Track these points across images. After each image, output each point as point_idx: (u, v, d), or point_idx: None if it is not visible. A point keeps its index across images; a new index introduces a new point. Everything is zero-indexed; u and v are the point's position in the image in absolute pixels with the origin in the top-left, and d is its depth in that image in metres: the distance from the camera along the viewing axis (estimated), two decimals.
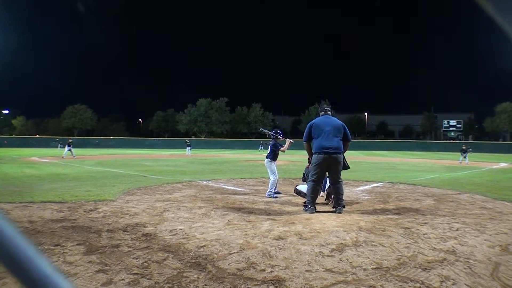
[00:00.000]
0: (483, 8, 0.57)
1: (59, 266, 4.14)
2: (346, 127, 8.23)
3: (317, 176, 7.99)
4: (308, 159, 9.27)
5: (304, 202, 8.14)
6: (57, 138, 67.58)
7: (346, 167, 8.34)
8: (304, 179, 9.41)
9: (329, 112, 8.42)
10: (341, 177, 8.09)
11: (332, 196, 8.25)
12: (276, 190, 9.97)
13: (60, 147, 54.53)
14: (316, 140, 8.00)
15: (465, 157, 29.13)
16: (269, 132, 10.55)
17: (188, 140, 49.89)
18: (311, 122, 8.34)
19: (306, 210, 7.78)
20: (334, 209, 7.91)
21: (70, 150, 30.70)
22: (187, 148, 43.18)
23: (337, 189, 7.94)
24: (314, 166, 7.97)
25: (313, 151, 8.08)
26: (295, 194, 9.50)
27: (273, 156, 10.10)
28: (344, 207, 7.91)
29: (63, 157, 30.19)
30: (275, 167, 10.10)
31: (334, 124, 8.05)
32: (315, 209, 7.84)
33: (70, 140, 32.90)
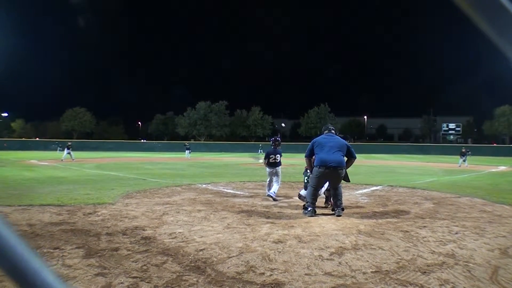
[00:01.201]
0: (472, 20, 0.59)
1: (58, 270, 4.14)
2: (350, 146, 8.29)
3: (317, 185, 8.07)
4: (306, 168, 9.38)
5: (304, 205, 8.15)
6: (57, 141, 67.48)
7: (346, 179, 8.57)
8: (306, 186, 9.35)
9: (332, 131, 8.51)
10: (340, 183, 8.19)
11: (331, 199, 8.26)
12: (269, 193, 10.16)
13: (59, 150, 54.58)
14: (318, 155, 8.03)
15: (464, 160, 29.05)
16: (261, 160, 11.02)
17: (187, 143, 49.81)
18: (314, 140, 8.43)
19: (305, 213, 7.79)
20: (333, 212, 7.92)
21: (69, 153, 30.74)
22: (186, 151, 43.21)
23: (336, 192, 7.96)
24: (314, 178, 8.03)
25: (314, 165, 8.09)
26: (296, 198, 9.49)
27: (266, 162, 10.26)
28: (343, 209, 7.91)
29: (62, 160, 30.20)
30: (267, 172, 10.34)
31: (337, 142, 8.13)
32: (315, 211, 7.85)
33: (69, 143, 32.94)
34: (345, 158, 8.17)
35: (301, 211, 8.18)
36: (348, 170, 8.46)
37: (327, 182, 8.57)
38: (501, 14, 0.56)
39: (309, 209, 7.84)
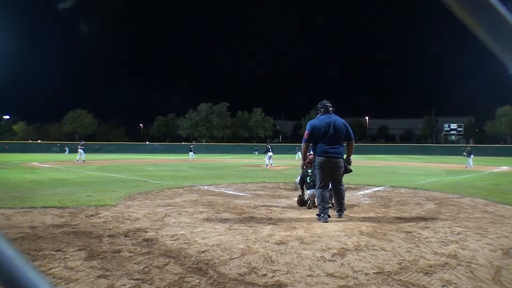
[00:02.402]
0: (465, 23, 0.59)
1: (60, 272, 4.14)
2: (348, 125, 7.74)
3: (322, 180, 7.59)
4: (302, 163, 9.20)
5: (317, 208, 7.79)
6: (59, 143, 67.92)
7: (348, 170, 7.93)
8: (302, 182, 9.27)
9: (330, 109, 7.78)
10: (342, 181, 7.84)
11: (333, 200, 7.96)
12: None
13: (68, 152, 55.40)
14: (319, 145, 7.59)
15: (470, 158, 28.66)
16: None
17: (192, 146, 50.44)
18: (312, 123, 7.74)
19: (319, 220, 7.33)
20: (336, 212, 7.68)
21: (80, 153, 31.24)
22: (190, 153, 43.83)
23: (339, 193, 7.66)
24: (318, 170, 7.63)
25: (315, 154, 7.72)
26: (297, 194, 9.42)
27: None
28: (345, 210, 7.73)
29: (84, 161, 30.56)
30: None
31: (337, 126, 7.53)
32: (329, 216, 7.42)
33: (81, 143, 33.44)
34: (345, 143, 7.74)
35: (303, 212, 8.16)
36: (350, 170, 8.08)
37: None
38: (499, 22, 0.56)
39: (322, 215, 7.38)
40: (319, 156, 7.60)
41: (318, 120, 7.74)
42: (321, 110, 7.83)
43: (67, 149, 59.08)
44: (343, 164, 7.72)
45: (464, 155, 29.62)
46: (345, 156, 7.91)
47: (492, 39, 0.58)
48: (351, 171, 8.07)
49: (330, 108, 7.80)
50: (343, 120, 7.76)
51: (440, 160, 43.54)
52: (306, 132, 7.74)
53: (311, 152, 8.30)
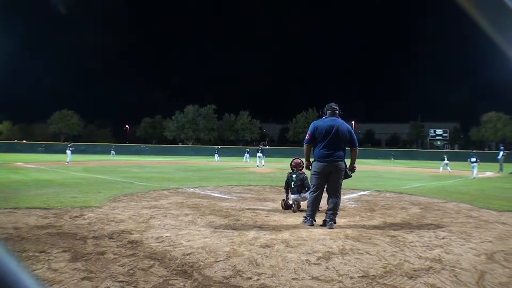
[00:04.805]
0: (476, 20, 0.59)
1: (43, 273, 4.09)
2: (352, 131, 7.45)
3: (317, 186, 7.37)
4: (291, 163, 9.25)
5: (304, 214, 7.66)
6: (112, 144, 68.71)
7: (347, 176, 7.59)
8: (287, 187, 9.29)
9: (336, 112, 7.49)
10: (340, 189, 7.46)
11: (326, 210, 7.40)
12: None
13: (113, 154, 55.91)
14: (317, 148, 7.33)
15: (446, 164, 28.18)
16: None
17: (218, 148, 51.07)
18: (315, 124, 7.46)
19: (305, 223, 7.29)
20: (323, 223, 7.25)
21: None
22: (216, 155, 44.67)
23: (334, 205, 7.25)
24: (314, 175, 7.37)
25: (314, 158, 7.46)
26: (284, 201, 9.40)
27: None
28: (335, 222, 7.22)
29: (68, 162, 30.25)
30: None
31: (340, 130, 7.21)
32: (315, 221, 7.35)
33: (70, 144, 33.18)
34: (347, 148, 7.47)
35: (288, 215, 8.17)
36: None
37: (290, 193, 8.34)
38: (502, 11, 0.56)
39: (308, 218, 7.32)
40: (318, 161, 7.32)
41: (322, 121, 7.48)
42: (327, 112, 7.54)
43: (113, 152, 59.42)
44: (343, 167, 7.40)
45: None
46: (348, 163, 7.62)
47: (497, 31, 0.58)
48: (351, 176, 7.78)
49: (337, 112, 7.55)
50: (348, 126, 7.47)
51: (425, 165, 43.90)
52: (308, 132, 7.50)
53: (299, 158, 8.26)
